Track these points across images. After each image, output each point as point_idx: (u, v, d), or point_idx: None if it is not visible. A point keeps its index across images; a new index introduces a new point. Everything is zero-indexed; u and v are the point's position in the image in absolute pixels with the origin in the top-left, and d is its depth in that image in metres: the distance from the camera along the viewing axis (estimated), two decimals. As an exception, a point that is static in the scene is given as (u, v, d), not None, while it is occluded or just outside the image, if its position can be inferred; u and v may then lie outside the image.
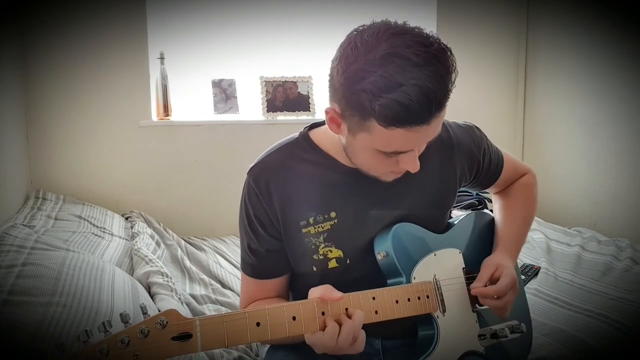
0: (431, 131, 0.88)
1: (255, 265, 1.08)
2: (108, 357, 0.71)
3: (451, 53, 0.86)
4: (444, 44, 0.86)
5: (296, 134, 1.10)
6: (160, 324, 0.74)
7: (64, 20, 2.40)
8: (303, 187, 1.04)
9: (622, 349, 1.38)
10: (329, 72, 0.93)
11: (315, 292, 0.91)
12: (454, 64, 0.86)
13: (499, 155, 1.24)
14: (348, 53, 0.86)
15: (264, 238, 1.05)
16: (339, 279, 1.04)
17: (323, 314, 0.88)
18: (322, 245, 1.04)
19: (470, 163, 1.17)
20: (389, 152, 0.91)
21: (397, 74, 0.81)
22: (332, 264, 1.05)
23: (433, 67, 0.82)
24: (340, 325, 0.88)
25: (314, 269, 1.05)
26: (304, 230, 1.03)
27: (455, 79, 0.86)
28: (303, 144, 1.07)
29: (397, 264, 1.03)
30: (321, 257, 1.04)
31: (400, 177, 1.06)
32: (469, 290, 1.09)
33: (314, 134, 1.08)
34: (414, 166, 0.94)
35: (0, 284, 1.19)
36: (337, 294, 0.90)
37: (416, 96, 0.81)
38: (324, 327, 0.87)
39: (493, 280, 1.06)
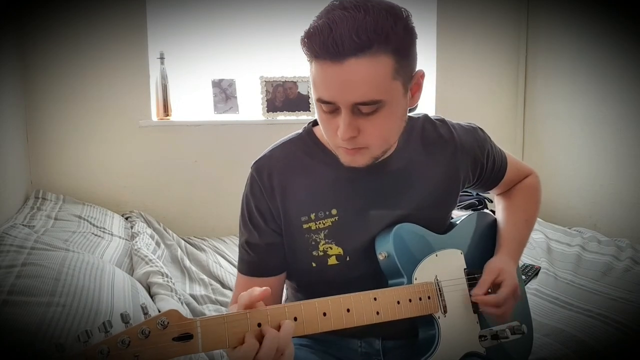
0: (347, 76, 0.86)
1: (252, 261, 1.07)
2: (108, 357, 0.70)
3: (395, 26, 0.86)
4: (400, 14, 0.87)
5: (300, 130, 1.11)
6: (161, 324, 0.73)
7: (63, 20, 2.40)
8: (305, 183, 1.04)
9: (622, 349, 1.38)
10: None
11: (241, 300, 0.83)
12: (391, 35, 0.85)
13: (503, 156, 1.24)
14: None
15: (265, 231, 1.05)
16: (339, 277, 1.04)
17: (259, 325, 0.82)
18: (323, 241, 1.04)
19: (474, 164, 1.16)
20: (316, 99, 0.91)
21: (323, 12, 0.87)
22: (332, 260, 1.05)
23: (356, 13, 0.84)
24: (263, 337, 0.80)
25: (314, 265, 1.05)
26: (304, 226, 1.03)
27: (386, 47, 0.85)
28: (307, 140, 1.08)
29: (399, 264, 1.02)
30: (321, 253, 1.04)
31: (403, 177, 1.06)
32: (470, 291, 1.09)
33: (318, 130, 1.08)
34: (341, 130, 0.90)
35: (0, 284, 1.19)
36: (256, 291, 0.82)
37: (322, 27, 0.85)
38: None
39: (495, 285, 1.06)
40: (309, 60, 0.91)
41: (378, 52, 0.85)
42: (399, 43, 0.87)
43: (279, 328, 0.81)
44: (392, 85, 0.89)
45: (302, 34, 0.89)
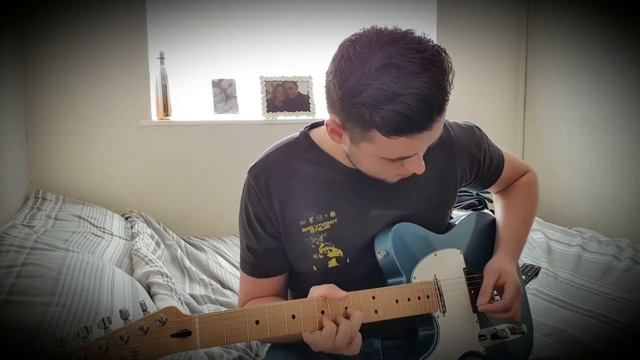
0: (434, 135, 0.89)
1: (254, 264, 1.08)
2: (107, 353, 0.71)
3: (446, 54, 0.86)
4: (437, 46, 0.86)
5: (296, 134, 1.10)
6: (159, 320, 0.74)
7: (64, 20, 2.40)
8: (303, 186, 1.04)
9: (622, 349, 1.38)
10: (324, 84, 0.92)
11: (317, 291, 0.91)
12: (450, 65, 0.86)
13: (500, 154, 1.24)
14: (343, 67, 0.86)
15: (263, 237, 1.06)
16: (340, 278, 1.04)
17: (323, 312, 0.88)
18: (322, 244, 1.04)
19: (471, 163, 1.17)
20: (393, 158, 0.91)
21: (394, 85, 0.81)
22: (332, 263, 1.05)
23: (430, 72, 0.82)
24: (338, 325, 0.87)
25: (314, 268, 1.05)
26: (303, 230, 1.03)
27: (452, 80, 0.86)
28: (303, 143, 1.08)
29: (398, 263, 1.02)
30: (321, 256, 1.04)
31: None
32: (469, 291, 1.09)
33: (315, 134, 1.08)
34: (419, 168, 0.95)
35: (0, 284, 1.19)
36: (342, 293, 0.90)
37: (416, 105, 0.81)
38: (322, 326, 0.87)
39: (498, 287, 1.07)
40: (383, 135, 0.86)
41: None
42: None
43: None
44: None
45: (397, 118, 0.82)
